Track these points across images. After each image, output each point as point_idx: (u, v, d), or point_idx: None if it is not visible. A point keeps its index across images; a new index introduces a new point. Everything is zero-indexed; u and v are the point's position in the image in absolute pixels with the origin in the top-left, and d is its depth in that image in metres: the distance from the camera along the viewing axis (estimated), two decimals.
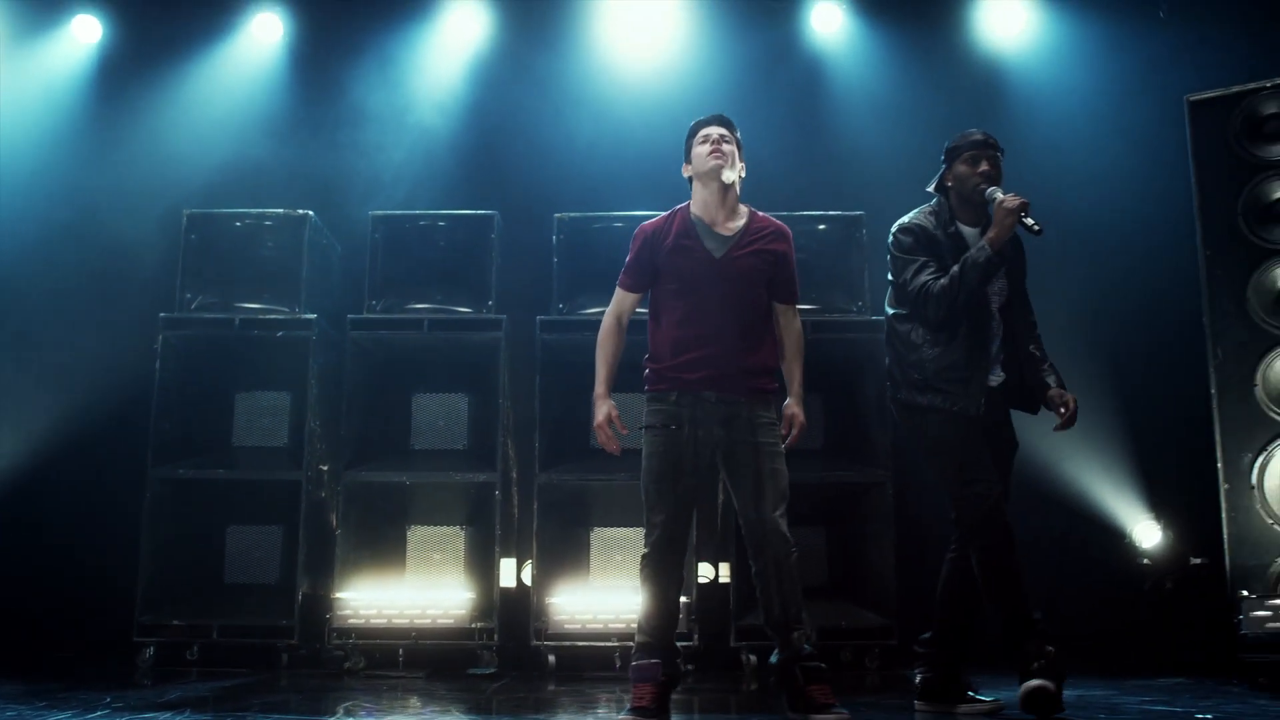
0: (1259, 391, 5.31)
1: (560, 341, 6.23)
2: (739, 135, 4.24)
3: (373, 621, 5.93)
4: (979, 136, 4.39)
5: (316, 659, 6.09)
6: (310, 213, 6.52)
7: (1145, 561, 6.37)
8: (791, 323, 4.26)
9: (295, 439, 6.37)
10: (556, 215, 6.49)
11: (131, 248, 6.88)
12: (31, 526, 6.71)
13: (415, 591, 6.12)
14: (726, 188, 4.14)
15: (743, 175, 4.22)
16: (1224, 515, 5.32)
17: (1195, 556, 6.10)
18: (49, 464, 6.73)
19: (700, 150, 4.16)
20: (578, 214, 6.50)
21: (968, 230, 4.37)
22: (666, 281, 4.12)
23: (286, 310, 6.40)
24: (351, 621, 5.93)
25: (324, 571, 6.19)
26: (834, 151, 7.34)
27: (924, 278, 4.26)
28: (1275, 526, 5.20)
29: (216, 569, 6.41)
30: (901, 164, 6.13)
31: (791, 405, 4.20)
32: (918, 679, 4.36)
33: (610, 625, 5.91)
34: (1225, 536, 5.31)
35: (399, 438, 6.50)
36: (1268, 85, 5.50)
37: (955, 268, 4.21)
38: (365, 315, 6.32)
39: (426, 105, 7.45)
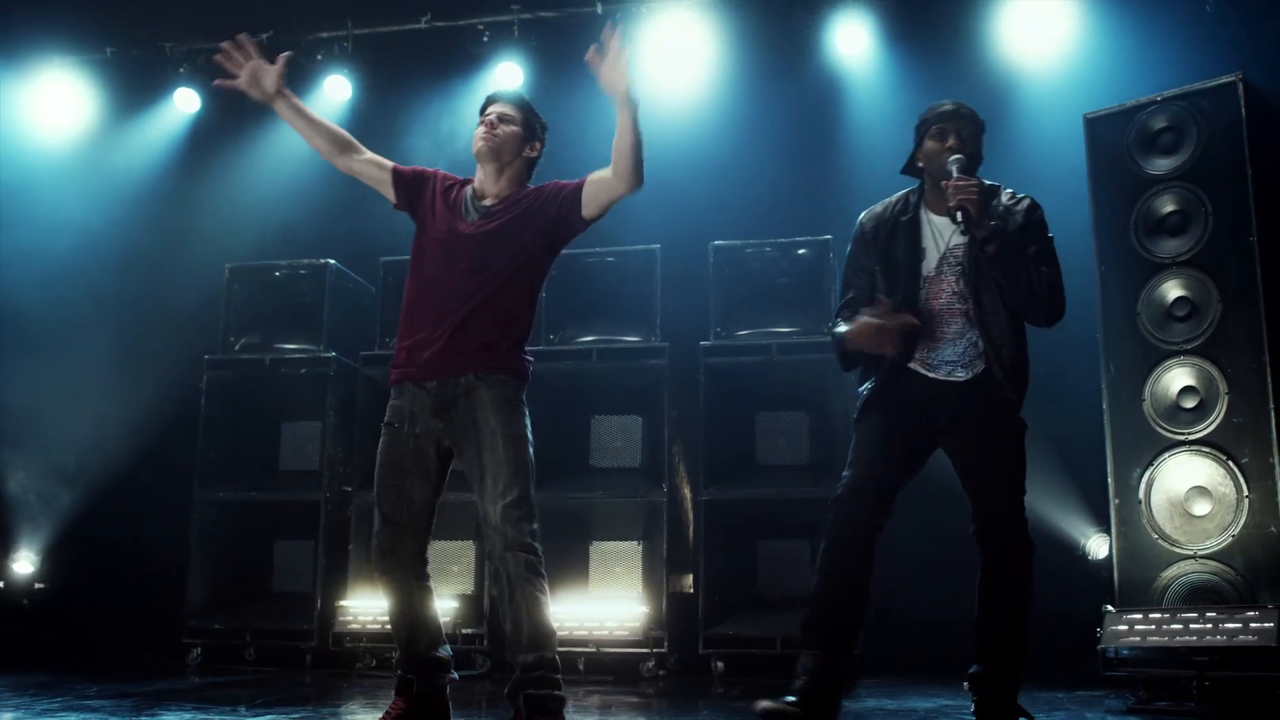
0: (1146, 406, 5.32)
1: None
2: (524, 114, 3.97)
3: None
4: (948, 107, 4.02)
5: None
6: (332, 261, 7.34)
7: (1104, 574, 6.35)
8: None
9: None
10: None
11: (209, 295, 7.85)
12: (99, 543, 7.75)
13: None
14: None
15: (532, 154, 3.99)
16: (1113, 529, 5.35)
17: None
18: (110, 488, 7.79)
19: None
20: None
21: (938, 219, 4.01)
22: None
23: (313, 349, 7.25)
24: None
25: None
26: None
27: (838, 314, 4.08)
28: (1160, 541, 5.21)
29: (264, 579, 7.32)
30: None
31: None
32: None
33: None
34: (1114, 551, 5.35)
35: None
36: (1158, 99, 5.47)
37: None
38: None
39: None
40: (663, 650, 6.44)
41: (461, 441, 3.74)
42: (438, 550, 6.90)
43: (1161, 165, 5.44)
